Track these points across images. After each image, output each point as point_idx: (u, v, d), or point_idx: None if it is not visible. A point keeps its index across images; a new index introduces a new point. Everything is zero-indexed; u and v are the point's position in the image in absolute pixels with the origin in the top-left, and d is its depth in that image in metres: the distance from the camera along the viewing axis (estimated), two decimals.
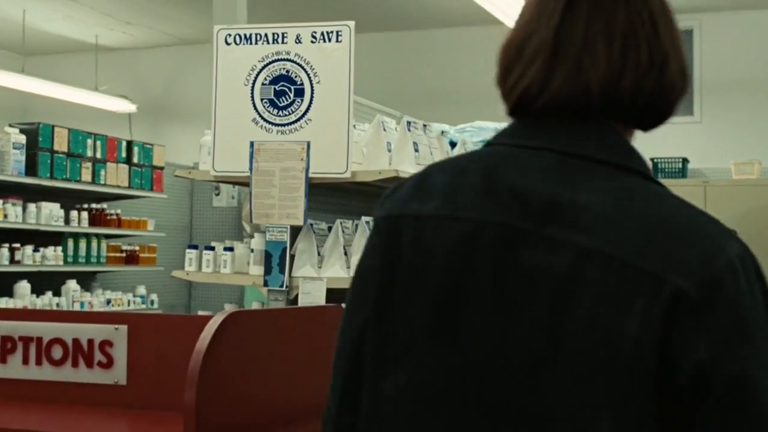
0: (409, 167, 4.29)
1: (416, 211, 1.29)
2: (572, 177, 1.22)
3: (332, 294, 4.17)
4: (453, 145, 5.20)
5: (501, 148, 1.30)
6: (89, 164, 8.03)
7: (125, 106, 11.58)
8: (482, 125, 5.45)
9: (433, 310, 1.24)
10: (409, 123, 4.36)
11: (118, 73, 12.38)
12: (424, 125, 4.54)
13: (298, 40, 4.23)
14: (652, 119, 1.31)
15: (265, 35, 4.27)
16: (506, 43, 1.35)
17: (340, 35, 4.18)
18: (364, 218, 4.18)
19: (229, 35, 4.31)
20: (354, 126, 4.50)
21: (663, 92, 1.28)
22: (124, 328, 2.65)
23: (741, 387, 1.11)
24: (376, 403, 1.29)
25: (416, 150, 4.33)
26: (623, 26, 1.26)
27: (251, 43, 4.29)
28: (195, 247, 4.48)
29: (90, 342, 2.66)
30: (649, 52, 1.26)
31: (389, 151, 4.35)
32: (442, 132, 4.78)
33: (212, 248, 4.41)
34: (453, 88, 11.50)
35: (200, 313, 4.85)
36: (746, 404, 1.11)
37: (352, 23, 4.19)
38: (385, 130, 4.39)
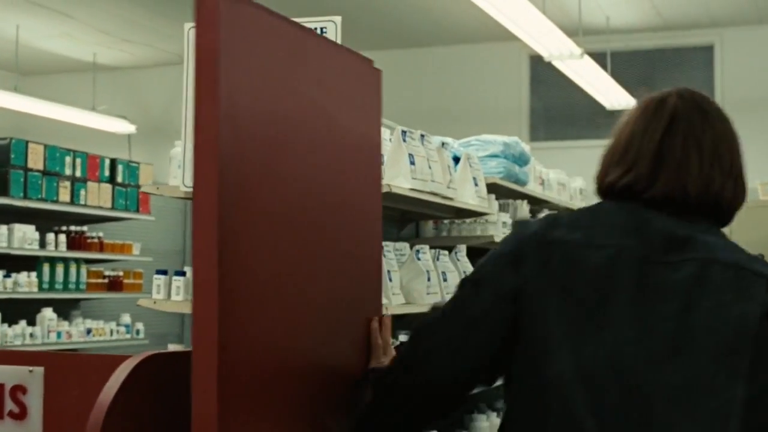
0: (404, 182, 3.80)
1: (563, 237, 1.66)
2: (686, 225, 1.67)
3: None
4: (456, 160, 4.71)
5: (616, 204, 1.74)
6: (68, 183, 7.52)
7: (124, 127, 11.16)
8: (489, 139, 4.97)
9: (585, 312, 1.59)
10: (404, 132, 3.88)
11: (116, 93, 11.98)
12: (422, 135, 4.05)
13: None
14: (728, 218, 1.75)
15: None
16: (610, 149, 1.79)
17: (326, 31, 3.70)
18: None
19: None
20: None
21: (738, 197, 1.74)
22: (40, 370, 2.16)
23: None
24: (544, 385, 1.58)
25: (412, 162, 3.84)
26: (710, 145, 1.72)
27: None
28: (164, 272, 3.98)
29: None
30: (730, 166, 1.72)
31: (382, 164, 3.86)
32: (443, 144, 4.29)
33: (183, 273, 3.90)
34: (460, 106, 11.05)
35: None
36: None
37: (338, 18, 3.72)
38: None
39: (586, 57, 8.41)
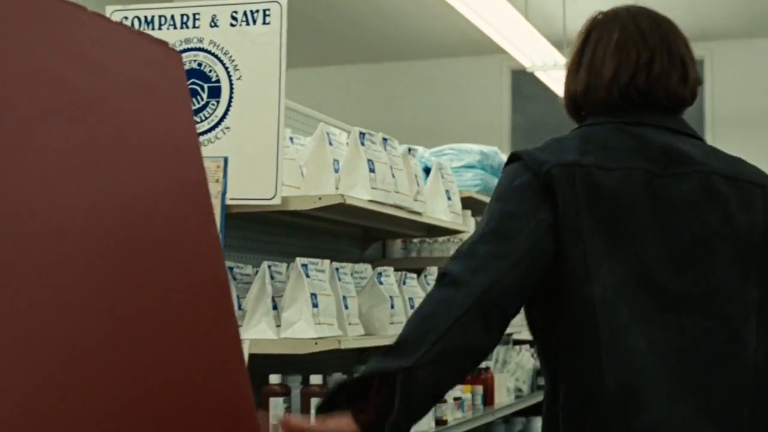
0: (362, 192, 3.23)
1: (579, 161, 1.74)
2: (677, 137, 1.82)
3: (257, 361, 3.10)
4: (427, 171, 4.15)
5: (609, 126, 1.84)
6: None
7: None
8: (464, 147, 4.41)
9: (612, 231, 1.71)
10: (362, 135, 3.31)
11: None
12: (385, 139, 3.49)
13: (213, 23, 3.20)
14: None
15: (172, 17, 3.23)
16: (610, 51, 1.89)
17: (268, 15, 3.14)
18: (300, 260, 3.11)
19: (126, 18, 3.27)
20: (291, 139, 3.45)
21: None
22: None
23: None
24: (588, 305, 1.68)
25: (371, 170, 3.27)
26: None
27: (153, 28, 3.26)
28: None
29: None
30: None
31: (336, 171, 3.30)
32: (410, 150, 3.72)
33: None
34: (439, 121, 10.54)
35: None
36: None
37: (284, 0, 3.16)
38: (331, 144, 3.34)
39: None
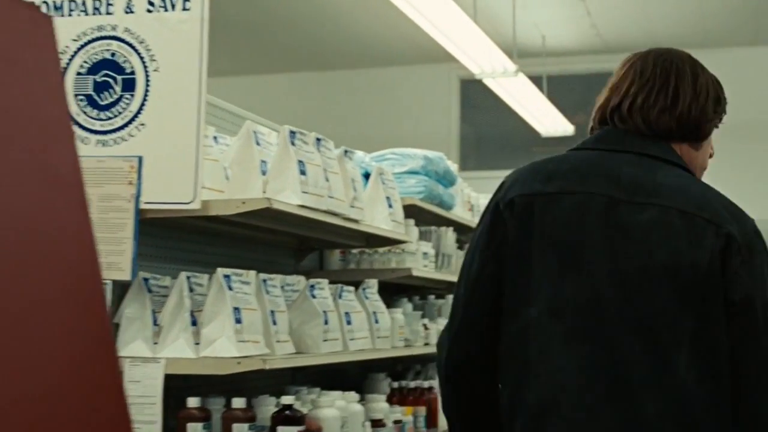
0: (291, 196, 2.95)
1: (541, 190, 1.88)
2: (653, 166, 1.91)
3: (174, 383, 2.80)
4: (367, 177, 3.88)
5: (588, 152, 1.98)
6: None
7: None
8: (407, 152, 4.15)
9: (560, 255, 1.83)
10: (293, 134, 3.03)
11: None
12: (319, 140, 3.21)
13: (128, 9, 2.89)
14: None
15: (83, 2, 2.92)
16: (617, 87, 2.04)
17: (188, 0, 2.85)
18: (222, 271, 2.82)
19: (33, 3, 2.96)
20: (215, 138, 3.16)
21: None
22: None
23: (765, 307, 1.82)
24: (524, 324, 1.84)
25: (302, 172, 2.99)
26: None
27: (63, 14, 2.95)
28: None
29: None
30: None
31: (263, 173, 3.01)
32: (346, 152, 3.44)
33: None
34: (385, 131, 10.29)
35: None
36: (764, 316, 1.83)
37: None
38: (258, 143, 3.05)
39: (521, 75, 7.66)
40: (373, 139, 9.87)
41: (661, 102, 1.94)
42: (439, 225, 4.63)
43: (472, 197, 5.23)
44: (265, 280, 3.06)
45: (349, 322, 3.46)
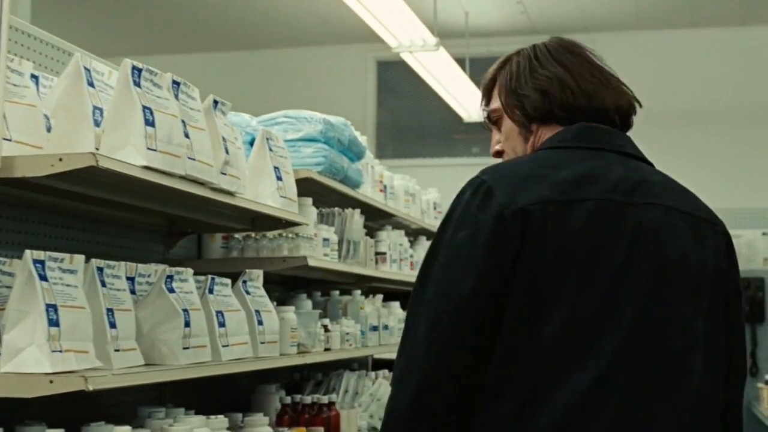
0: (132, 154, 2.18)
1: (551, 197, 1.68)
2: (633, 164, 1.81)
3: None
4: (251, 143, 3.13)
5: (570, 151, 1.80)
6: None
7: None
8: (303, 115, 3.40)
9: (576, 269, 1.65)
10: (137, 71, 2.25)
11: None
12: (177, 83, 2.43)
13: None
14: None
15: None
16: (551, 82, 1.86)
17: None
18: (32, 254, 2.04)
19: None
20: (34, 78, 2.38)
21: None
22: None
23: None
24: (535, 343, 1.62)
25: (149, 123, 2.21)
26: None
27: None
28: None
29: None
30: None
31: (97, 124, 2.23)
32: (216, 104, 2.67)
33: None
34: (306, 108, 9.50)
35: None
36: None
37: None
38: (92, 85, 2.27)
39: (443, 51, 6.96)
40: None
41: (611, 94, 1.86)
42: (344, 206, 3.87)
43: (385, 176, 4.49)
44: (101, 268, 2.28)
45: (222, 324, 2.70)
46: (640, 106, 1.91)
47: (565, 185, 1.69)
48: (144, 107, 2.21)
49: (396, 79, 9.87)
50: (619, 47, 9.29)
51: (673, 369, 1.67)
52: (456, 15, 8.71)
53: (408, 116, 10.00)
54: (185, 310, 2.47)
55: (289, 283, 4.30)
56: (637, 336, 1.65)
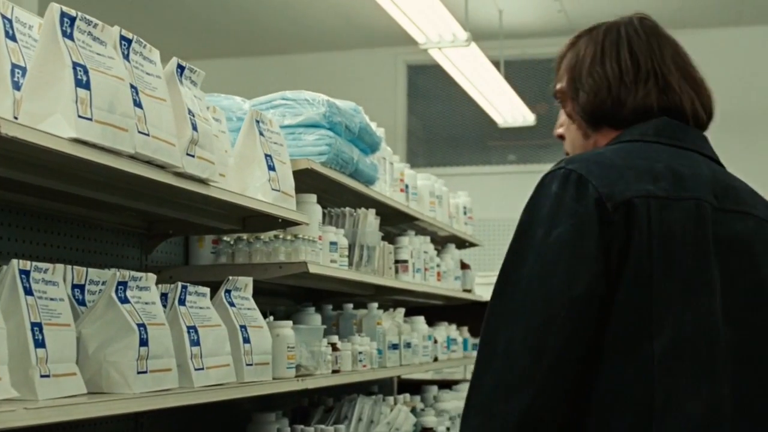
0: (59, 123, 1.71)
1: (653, 192, 1.51)
2: (718, 167, 1.65)
3: None
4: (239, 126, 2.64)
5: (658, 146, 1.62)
6: None
7: None
8: (304, 96, 2.91)
9: (681, 274, 1.49)
10: (68, 19, 1.77)
11: None
12: (127, 40, 1.95)
13: None
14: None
15: None
16: (609, 71, 1.68)
17: None
18: None
19: None
20: None
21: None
22: None
23: None
24: (645, 362, 1.45)
25: (83, 84, 1.73)
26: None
27: None
28: None
29: None
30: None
31: (18, 86, 1.75)
32: (182, 69, 2.18)
33: None
34: None
35: None
36: None
37: None
38: (11, 38, 1.80)
39: (474, 47, 6.45)
40: None
41: (693, 95, 1.69)
42: (357, 206, 3.36)
43: (406, 175, 3.98)
44: (26, 272, 1.80)
45: (195, 342, 2.20)
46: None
47: (664, 181, 1.53)
48: (75, 64, 1.72)
49: (427, 84, 9.39)
50: None
51: None
52: (490, 14, 8.21)
53: (440, 122, 9.49)
54: (141, 325, 1.98)
55: (299, 296, 3.81)
56: (743, 359, 1.52)
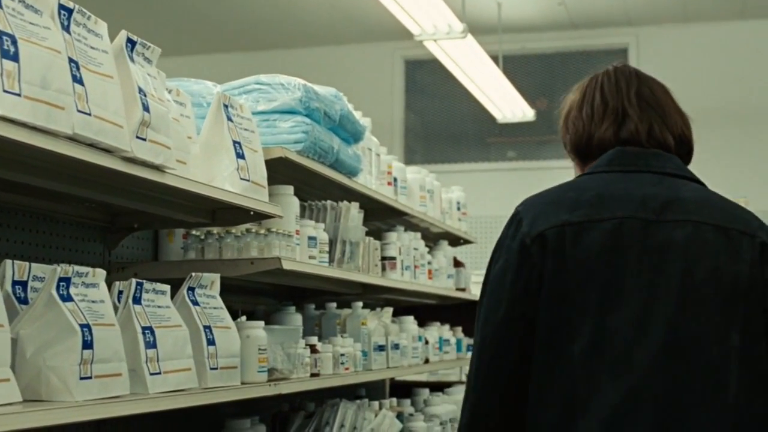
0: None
1: (569, 219, 1.77)
2: (672, 182, 1.84)
3: None
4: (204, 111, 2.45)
5: (603, 175, 1.86)
6: None
7: None
8: (279, 80, 2.71)
9: (599, 286, 1.72)
10: None
11: None
12: (67, 10, 1.76)
13: None
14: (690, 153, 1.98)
15: None
16: (581, 112, 1.95)
17: None
18: None
19: None
20: None
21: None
22: None
23: None
24: (567, 362, 1.71)
25: (10, 56, 1.54)
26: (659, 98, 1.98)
27: None
28: None
29: None
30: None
31: None
32: (132, 43, 1.99)
33: None
34: None
35: None
36: None
37: None
38: None
39: (471, 39, 6.26)
40: None
41: (658, 121, 1.90)
42: (339, 200, 3.17)
43: (394, 167, 3.78)
44: None
45: (151, 345, 2.01)
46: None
47: (584, 207, 1.77)
48: (1, 33, 1.54)
49: (425, 79, 9.21)
50: (664, 42, 8.60)
51: (707, 383, 1.71)
52: (488, 7, 8.02)
53: (438, 118, 9.30)
54: (85, 326, 1.79)
55: (283, 295, 3.62)
56: (669, 352, 1.70)
